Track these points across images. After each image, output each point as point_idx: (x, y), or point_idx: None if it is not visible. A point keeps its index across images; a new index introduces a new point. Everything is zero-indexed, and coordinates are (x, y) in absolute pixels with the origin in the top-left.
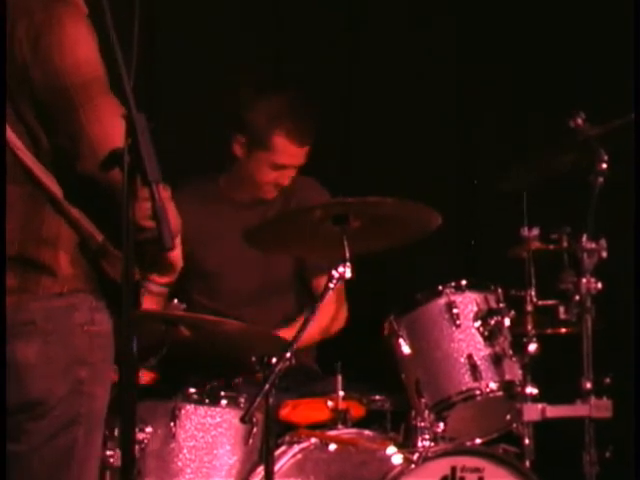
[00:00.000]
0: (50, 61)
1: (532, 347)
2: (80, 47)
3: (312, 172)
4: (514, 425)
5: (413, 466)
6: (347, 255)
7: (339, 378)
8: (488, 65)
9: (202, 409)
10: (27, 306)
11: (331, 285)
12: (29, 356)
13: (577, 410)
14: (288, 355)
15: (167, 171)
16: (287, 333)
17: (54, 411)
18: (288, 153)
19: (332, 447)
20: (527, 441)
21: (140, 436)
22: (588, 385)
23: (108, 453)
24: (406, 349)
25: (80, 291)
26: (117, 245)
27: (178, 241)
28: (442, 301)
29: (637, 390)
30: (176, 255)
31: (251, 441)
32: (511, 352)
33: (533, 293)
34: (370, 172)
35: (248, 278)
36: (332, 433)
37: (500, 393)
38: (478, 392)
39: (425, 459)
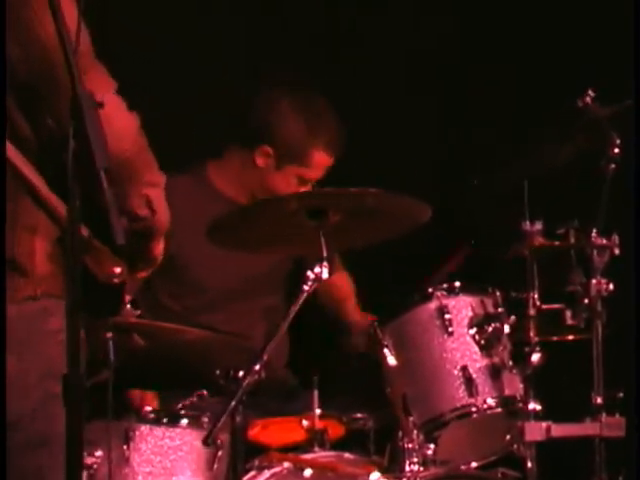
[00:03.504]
0: (31, 35)
1: (535, 357)
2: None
3: None
4: (515, 446)
5: None
6: (324, 254)
7: (315, 394)
8: (487, 46)
9: (159, 430)
10: None
11: (305, 288)
12: (9, 369)
13: (586, 429)
14: (257, 367)
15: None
16: None
17: (26, 430)
18: (321, 167)
19: (307, 472)
20: (529, 464)
21: (89, 460)
22: (599, 400)
23: None
24: (392, 360)
25: (54, 295)
26: (105, 240)
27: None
28: (432, 305)
29: None
30: (159, 250)
31: (216, 466)
32: (511, 363)
33: (536, 296)
34: (360, 168)
35: (228, 277)
36: (307, 456)
37: (499, 410)
38: (474, 409)
39: None
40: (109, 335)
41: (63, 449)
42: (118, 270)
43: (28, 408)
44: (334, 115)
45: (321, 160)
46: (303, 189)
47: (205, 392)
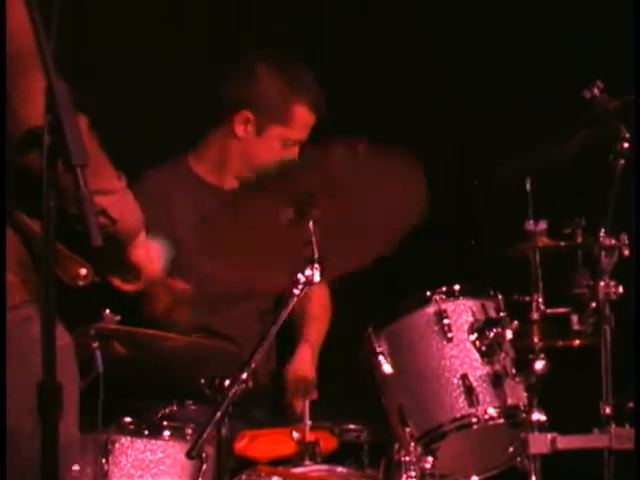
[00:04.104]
0: None
1: (539, 365)
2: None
3: None
4: (518, 459)
5: None
6: (315, 255)
7: (306, 404)
8: (489, 34)
9: (140, 442)
10: None
11: (296, 291)
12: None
13: (594, 441)
14: (244, 376)
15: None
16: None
17: (22, 452)
18: (305, 125)
19: None
20: (534, 478)
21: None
22: (607, 410)
23: None
24: (387, 368)
25: (32, 301)
26: (69, 245)
27: (143, 239)
28: (431, 310)
29: None
30: (141, 255)
31: None
32: (514, 371)
33: (540, 299)
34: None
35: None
36: (298, 470)
37: (501, 420)
38: (474, 419)
39: None
40: (95, 345)
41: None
42: (83, 272)
43: (28, 424)
44: (312, 74)
45: (303, 117)
46: (287, 154)
47: (189, 401)
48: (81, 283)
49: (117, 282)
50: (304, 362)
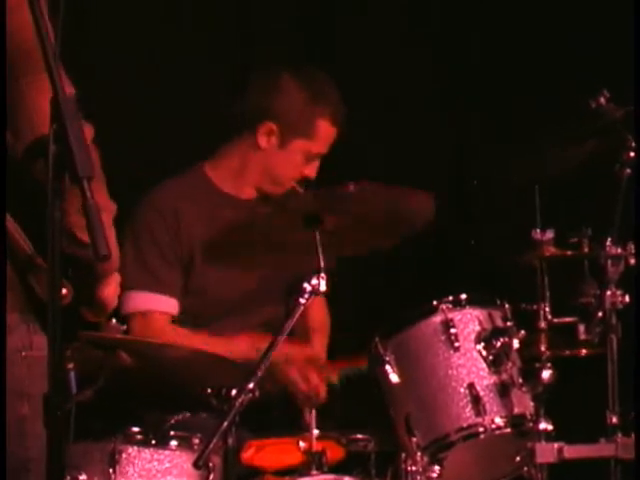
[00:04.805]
0: None
1: (546, 374)
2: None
3: None
4: (525, 468)
5: None
6: (321, 264)
7: (313, 413)
8: (489, 34)
9: (147, 452)
10: None
11: (302, 301)
12: None
13: (601, 450)
14: (251, 386)
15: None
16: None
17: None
18: (328, 139)
19: None
20: None
21: None
22: (614, 420)
23: None
24: (394, 378)
25: (15, 310)
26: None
27: (116, 279)
28: (437, 319)
29: None
30: (110, 294)
31: None
32: (521, 380)
33: (547, 308)
34: (359, 169)
35: (232, 284)
36: None
37: (508, 430)
38: (481, 429)
39: None
40: (70, 366)
41: (43, 474)
42: (63, 291)
43: (8, 434)
44: (335, 86)
45: (327, 131)
46: (309, 169)
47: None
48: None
49: (84, 310)
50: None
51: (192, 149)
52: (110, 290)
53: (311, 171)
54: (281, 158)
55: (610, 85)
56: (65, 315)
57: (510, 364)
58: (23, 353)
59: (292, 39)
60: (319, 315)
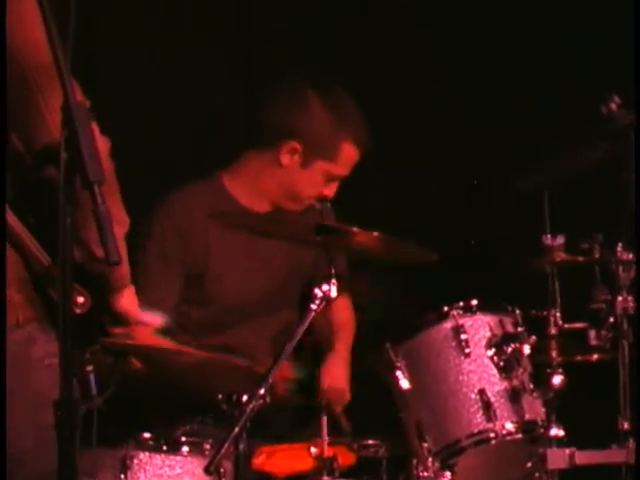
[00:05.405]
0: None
1: (557, 379)
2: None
3: None
4: (536, 474)
5: None
6: (332, 271)
7: (324, 419)
8: (489, 34)
9: (159, 457)
10: None
11: (313, 307)
12: None
13: (612, 456)
14: (262, 391)
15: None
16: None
17: (22, 469)
18: (350, 162)
19: None
20: None
21: None
22: (625, 425)
23: None
24: (405, 383)
25: (34, 320)
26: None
27: (132, 292)
28: (448, 325)
29: None
30: (125, 305)
31: None
32: (532, 386)
33: (558, 314)
34: (359, 169)
35: (249, 289)
36: None
37: (519, 436)
38: (492, 435)
39: None
40: (89, 369)
41: None
42: (81, 300)
43: (27, 441)
44: (358, 108)
45: (350, 154)
46: (329, 189)
47: (208, 418)
48: (78, 311)
49: (106, 319)
50: (338, 374)
51: (192, 149)
52: (125, 301)
53: (330, 191)
54: (302, 177)
55: (610, 85)
56: (84, 321)
57: (521, 370)
58: (46, 362)
59: (292, 39)
60: (344, 314)
